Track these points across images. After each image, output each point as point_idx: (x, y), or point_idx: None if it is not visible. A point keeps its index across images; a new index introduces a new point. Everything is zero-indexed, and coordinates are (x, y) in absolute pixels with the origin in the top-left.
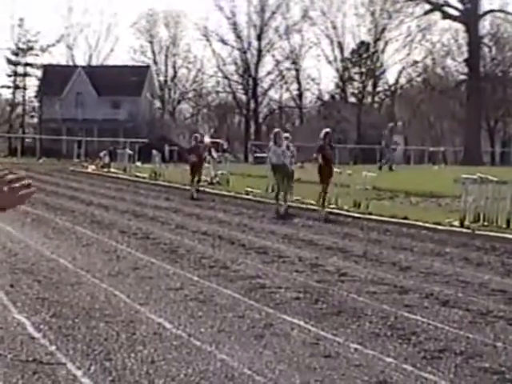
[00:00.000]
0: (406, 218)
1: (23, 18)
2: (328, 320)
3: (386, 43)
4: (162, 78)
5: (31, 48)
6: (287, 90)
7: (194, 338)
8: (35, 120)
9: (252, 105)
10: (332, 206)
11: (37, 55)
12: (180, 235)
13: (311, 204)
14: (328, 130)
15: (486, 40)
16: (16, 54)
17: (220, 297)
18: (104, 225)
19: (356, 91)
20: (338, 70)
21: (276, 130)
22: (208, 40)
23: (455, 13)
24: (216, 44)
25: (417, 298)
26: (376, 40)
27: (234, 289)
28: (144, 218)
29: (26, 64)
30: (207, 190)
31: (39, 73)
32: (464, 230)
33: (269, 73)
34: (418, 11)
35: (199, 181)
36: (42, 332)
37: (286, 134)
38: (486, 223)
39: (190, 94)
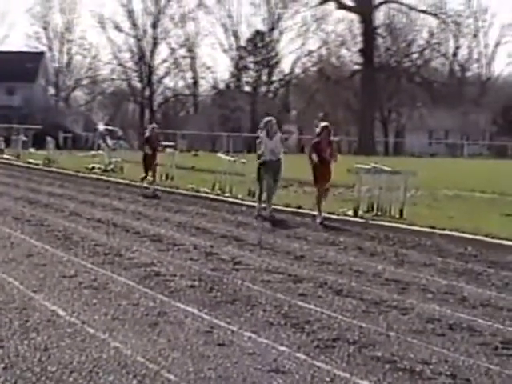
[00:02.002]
0: (299, 208)
1: None
2: (222, 308)
3: (282, 33)
4: (56, 65)
5: None
6: (182, 77)
7: (88, 326)
8: None
9: (147, 92)
10: (226, 195)
11: None
12: (74, 222)
13: (206, 192)
14: (326, 123)
15: (380, 30)
16: None
17: (114, 284)
18: None
19: (251, 80)
20: (233, 59)
21: (268, 118)
22: (103, 27)
23: (350, 3)
24: (111, 31)
25: (311, 287)
26: (271, 29)
27: (129, 276)
28: (38, 205)
29: None
30: (101, 177)
31: None
32: (358, 220)
33: (164, 60)
34: (314, 1)
35: (154, 177)
36: None
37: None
38: (379, 213)
39: (85, 81)
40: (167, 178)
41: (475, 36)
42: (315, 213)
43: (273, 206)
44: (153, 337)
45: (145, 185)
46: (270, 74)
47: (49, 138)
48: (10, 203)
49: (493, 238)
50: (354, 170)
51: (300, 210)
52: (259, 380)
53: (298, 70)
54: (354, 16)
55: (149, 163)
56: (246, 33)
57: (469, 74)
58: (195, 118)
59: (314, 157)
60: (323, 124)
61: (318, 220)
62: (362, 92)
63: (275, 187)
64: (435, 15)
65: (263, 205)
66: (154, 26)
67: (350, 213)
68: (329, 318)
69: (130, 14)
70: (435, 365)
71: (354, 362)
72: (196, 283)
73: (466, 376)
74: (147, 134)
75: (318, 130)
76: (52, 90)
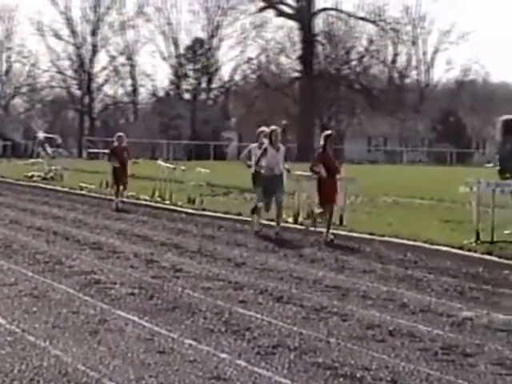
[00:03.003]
0: (239, 215)
1: None
2: (163, 316)
3: (221, 40)
4: None
5: None
6: (122, 85)
7: (28, 334)
8: None
9: (86, 100)
10: (166, 202)
11: None
12: (14, 230)
13: (146, 199)
14: (329, 132)
15: (319, 38)
16: None
17: (54, 292)
18: None
19: (190, 88)
20: (172, 67)
21: (272, 127)
22: (42, 35)
23: (289, 10)
24: (50, 39)
25: (251, 294)
26: (211, 37)
27: (69, 284)
28: None
29: None
30: (41, 185)
31: None
32: (298, 227)
33: (103, 68)
34: (253, 8)
35: (124, 188)
36: None
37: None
38: (319, 220)
39: (24, 89)
40: (107, 185)
41: (414, 43)
42: (323, 230)
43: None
44: (93, 345)
45: (116, 200)
46: (209, 82)
47: None
48: None
49: (432, 244)
50: (293, 177)
51: (240, 217)
52: None
53: (237, 78)
54: (293, 23)
55: (119, 177)
56: (185, 40)
57: (408, 80)
58: (135, 126)
59: (321, 170)
60: (327, 133)
61: (330, 237)
62: (302, 99)
63: (278, 203)
64: (374, 22)
65: (261, 221)
66: (94, 33)
67: (290, 220)
68: (269, 325)
69: (69, 21)
70: (376, 371)
71: (295, 369)
72: (136, 291)
73: (407, 382)
74: (114, 144)
75: (321, 141)
76: None
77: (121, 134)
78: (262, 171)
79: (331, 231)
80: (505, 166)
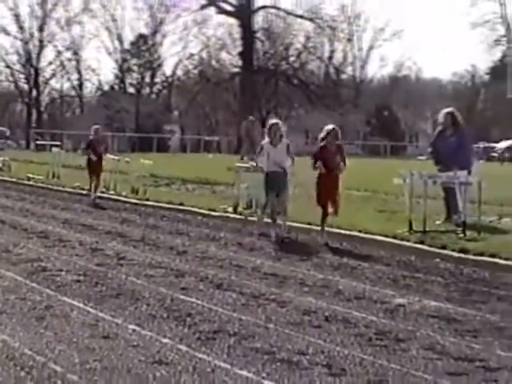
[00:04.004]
0: (182, 204)
1: None
2: (107, 302)
3: (164, 36)
4: None
5: None
6: (68, 79)
7: None
8: None
9: (34, 94)
10: (111, 193)
11: None
12: None
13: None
14: (333, 126)
15: (259, 34)
16: None
17: (2, 279)
18: None
19: (135, 82)
20: (117, 62)
21: (272, 121)
22: None
23: (230, 8)
24: None
25: (192, 281)
26: (154, 33)
27: (16, 271)
28: None
29: None
30: None
31: None
32: (237, 216)
33: (50, 63)
34: (194, 6)
35: (97, 186)
36: None
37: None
38: (258, 210)
39: None
40: (53, 176)
41: (350, 40)
42: (318, 228)
43: (287, 223)
44: (40, 330)
45: (92, 195)
46: (152, 76)
47: None
48: None
49: (366, 233)
50: (233, 168)
51: (181, 207)
52: (143, 371)
53: (179, 73)
54: (233, 20)
55: (93, 170)
56: (129, 36)
57: (344, 76)
58: (81, 119)
59: (320, 165)
60: (329, 127)
61: (321, 241)
62: (242, 94)
63: (281, 203)
64: (311, 20)
65: (279, 221)
66: (41, 29)
67: (230, 209)
68: (210, 311)
69: (17, 17)
70: (312, 355)
71: (234, 354)
72: (82, 278)
73: (341, 366)
74: (90, 136)
75: (322, 134)
76: None
77: (97, 126)
78: (265, 169)
79: (324, 233)
80: (438, 158)
